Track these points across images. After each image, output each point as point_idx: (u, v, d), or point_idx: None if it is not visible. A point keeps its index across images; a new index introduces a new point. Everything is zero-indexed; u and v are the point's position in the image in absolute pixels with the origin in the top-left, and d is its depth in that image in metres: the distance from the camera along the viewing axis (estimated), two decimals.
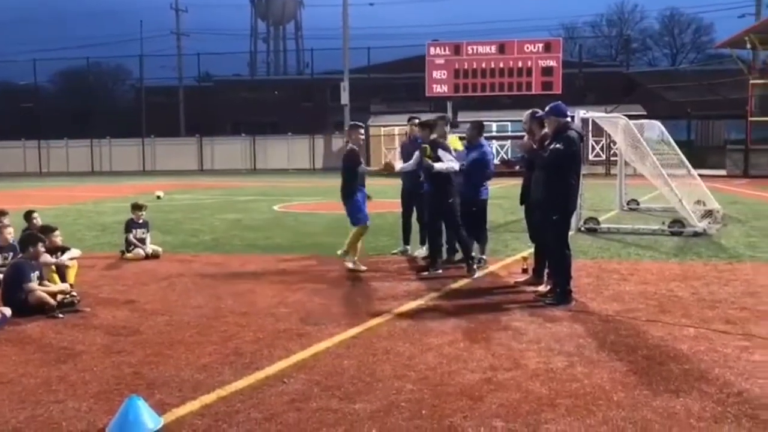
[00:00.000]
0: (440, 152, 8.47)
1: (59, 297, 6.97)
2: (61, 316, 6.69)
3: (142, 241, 10.35)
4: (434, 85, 37.42)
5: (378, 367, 5.08)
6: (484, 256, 9.13)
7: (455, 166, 8.52)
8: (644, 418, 4.08)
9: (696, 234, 11.82)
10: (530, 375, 4.86)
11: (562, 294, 7.04)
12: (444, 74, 37.02)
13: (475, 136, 9.20)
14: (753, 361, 5.14)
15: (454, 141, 9.52)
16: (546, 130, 7.50)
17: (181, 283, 8.38)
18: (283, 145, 43.78)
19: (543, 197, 7.09)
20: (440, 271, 8.61)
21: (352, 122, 10.13)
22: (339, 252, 9.50)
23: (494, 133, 36.86)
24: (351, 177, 9.14)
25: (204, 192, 25.31)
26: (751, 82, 31.80)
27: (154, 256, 10.17)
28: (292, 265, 9.50)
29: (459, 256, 9.11)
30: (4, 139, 47.49)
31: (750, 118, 31.85)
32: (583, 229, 11.94)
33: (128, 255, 10.17)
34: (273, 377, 4.89)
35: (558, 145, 6.89)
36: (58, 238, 8.05)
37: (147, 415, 4.00)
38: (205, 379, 4.87)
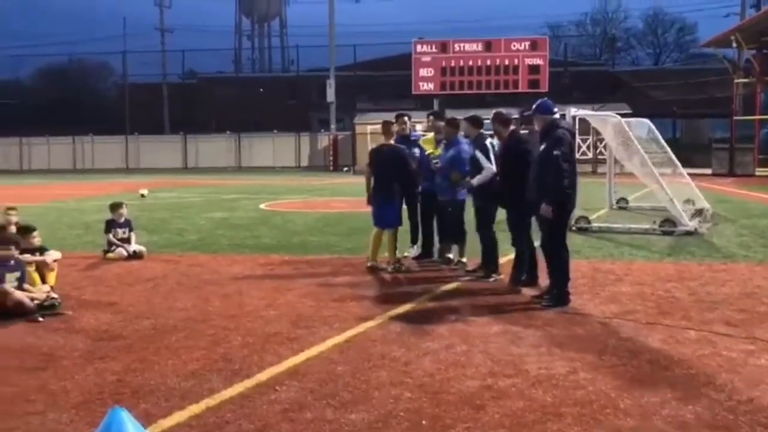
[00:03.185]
0: (477, 153, 8.08)
1: (38, 299, 6.71)
2: (41, 319, 6.43)
3: (125, 240, 10.08)
4: (421, 83, 37.28)
5: (373, 373, 4.88)
6: (463, 259, 8.91)
7: (492, 168, 7.92)
8: (655, 428, 3.92)
9: (687, 233, 11.72)
10: (532, 381, 4.68)
11: (559, 295, 6.88)
12: (431, 72, 36.89)
13: (452, 133, 8.98)
14: (760, 366, 4.99)
15: (429, 141, 9.33)
16: (512, 127, 7.85)
17: (166, 284, 8.14)
18: (269, 143, 43.44)
19: (539, 198, 6.92)
20: (501, 277, 8.10)
21: (397, 112, 9.64)
22: (369, 264, 8.81)
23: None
24: (396, 176, 8.69)
25: (189, 190, 24.96)
26: (736, 81, 31.90)
27: (138, 256, 9.89)
28: (280, 266, 9.27)
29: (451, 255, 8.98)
30: None
31: (735, 117, 31.95)
32: (574, 228, 11.79)
33: (110, 255, 9.89)
34: (264, 385, 4.67)
35: (556, 152, 6.71)
36: (36, 239, 7.78)
37: (132, 427, 3.76)
38: (193, 387, 4.64)
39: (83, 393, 4.55)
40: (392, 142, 8.95)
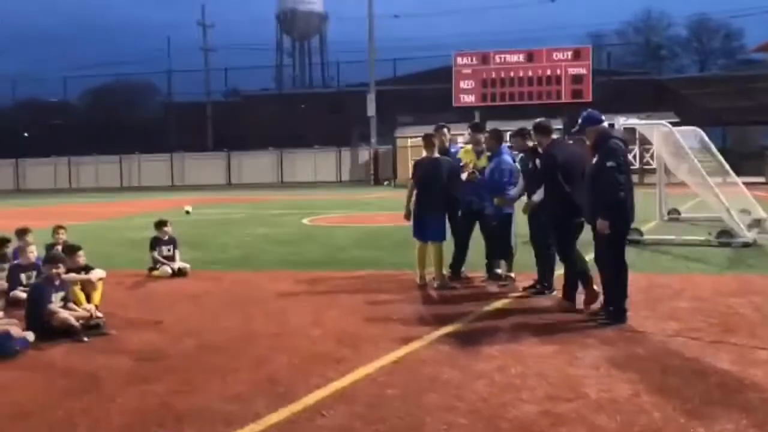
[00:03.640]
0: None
1: (82, 319, 6.67)
2: (86, 339, 6.38)
3: (170, 258, 10.07)
4: (462, 95, 37.11)
5: (424, 397, 4.66)
6: (511, 273, 8.63)
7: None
8: None
9: (746, 245, 11.24)
10: (594, 406, 4.41)
11: (617, 312, 6.57)
12: (471, 84, 36.69)
13: (494, 145, 8.73)
14: None
15: (467, 152, 9.04)
16: (531, 143, 7.66)
17: (211, 301, 8.05)
18: (310, 158, 43.66)
19: (594, 214, 6.62)
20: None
21: (437, 124, 9.32)
22: (419, 282, 8.60)
23: None
24: (446, 187, 8.48)
25: (232, 206, 25.13)
26: None
27: (183, 273, 9.86)
28: (324, 282, 9.13)
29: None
30: (35, 155, 48.05)
31: None
32: (626, 241, 11.38)
33: (155, 273, 9.89)
34: (311, 409, 4.50)
35: (610, 163, 6.43)
36: (81, 258, 7.76)
37: None
38: (238, 411, 4.49)
39: (126, 417, 4.44)
40: (436, 154, 8.73)
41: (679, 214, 15.67)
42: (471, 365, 5.33)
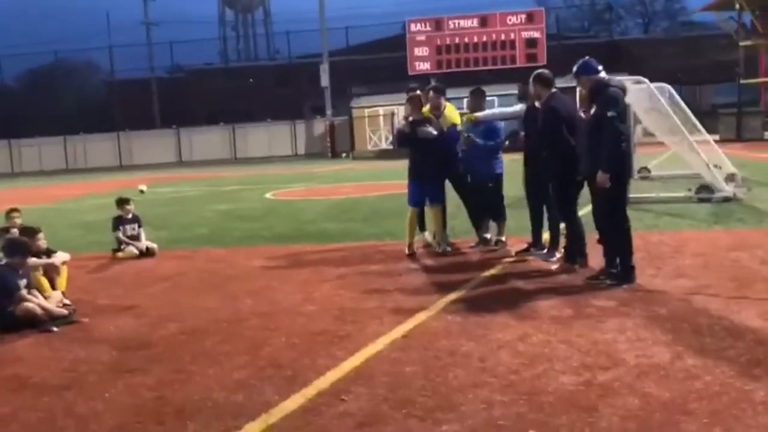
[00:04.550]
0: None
1: (57, 308, 6.06)
2: (55, 329, 5.77)
3: (135, 238, 9.39)
4: (416, 63, 36.54)
5: (449, 373, 4.24)
6: (502, 238, 8.27)
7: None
8: None
9: (726, 199, 11.12)
10: (636, 373, 4.05)
11: (624, 271, 6.24)
12: (426, 51, 36.14)
13: (479, 104, 8.31)
14: None
15: (451, 110, 8.53)
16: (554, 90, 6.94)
17: (187, 282, 7.48)
18: (263, 133, 42.55)
19: (593, 168, 6.24)
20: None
21: (431, 86, 8.76)
22: (408, 251, 8.14)
23: None
24: (442, 153, 8.03)
25: (187, 184, 24.22)
26: (741, 44, 31.26)
27: (150, 253, 9.21)
28: (304, 256, 8.61)
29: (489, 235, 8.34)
30: None
31: (741, 81, 31.34)
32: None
33: (120, 254, 9.21)
34: (327, 393, 4.02)
35: (611, 113, 6.05)
36: (42, 241, 7.06)
37: None
38: (245, 400, 4.00)
39: (118, 415, 3.90)
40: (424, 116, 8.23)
41: (650, 172, 15.54)
42: (488, 335, 4.93)
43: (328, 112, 38.87)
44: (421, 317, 5.51)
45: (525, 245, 7.83)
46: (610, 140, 6.07)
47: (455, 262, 7.76)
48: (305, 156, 40.53)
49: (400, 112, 37.46)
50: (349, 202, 14.56)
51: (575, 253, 6.92)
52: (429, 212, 8.35)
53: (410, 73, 36.99)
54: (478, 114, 7.96)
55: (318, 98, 40.87)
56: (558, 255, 7.35)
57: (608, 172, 6.09)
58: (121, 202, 9.64)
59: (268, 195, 17.42)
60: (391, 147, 35.53)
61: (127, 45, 54.89)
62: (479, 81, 38.29)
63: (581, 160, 6.47)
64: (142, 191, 20.13)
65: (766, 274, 6.29)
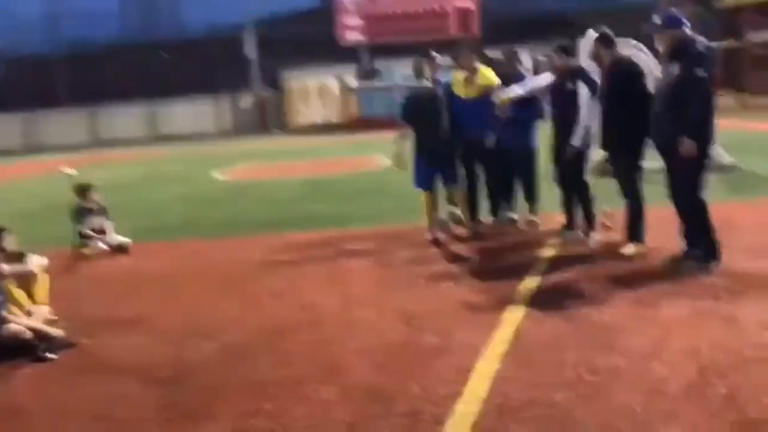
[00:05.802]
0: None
1: (49, 327, 4.85)
2: (50, 356, 4.59)
3: (101, 231, 8.08)
4: (346, 34, 35.28)
5: (613, 398, 3.40)
6: (535, 218, 7.51)
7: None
8: None
9: (721, 168, 10.71)
10: None
11: (710, 248, 5.54)
12: (356, 21, 34.91)
13: (514, 66, 7.51)
14: None
15: (486, 71, 7.66)
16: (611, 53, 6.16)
17: (187, 284, 6.32)
18: (187, 109, 40.27)
19: (674, 133, 5.50)
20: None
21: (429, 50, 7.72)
22: (430, 236, 7.21)
23: None
24: (442, 123, 7.13)
25: (117, 165, 22.31)
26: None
27: (122, 249, 7.93)
28: (308, 246, 7.55)
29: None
30: None
31: None
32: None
33: (86, 251, 7.87)
34: None
35: (701, 72, 5.32)
36: (8, 242, 5.73)
37: None
38: None
39: None
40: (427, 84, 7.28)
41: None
42: (615, 342, 4.11)
43: (257, 85, 37.09)
44: (510, 318, 4.65)
45: (562, 225, 7.10)
46: (700, 103, 5.36)
47: (492, 246, 6.92)
48: (234, 132, 38.62)
49: (333, 84, 36.27)
50: (321, 181, 13.47)
51: (641, 234, 6.21)
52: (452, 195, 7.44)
53: (340, 44, 35.71)
54: (511, 95, 7.04)
55: (241, 72, 38.94)
56: (595, 235, 6.67)
57: (696, 139, 5.37)
58: (83, 190, 8.28)
59: (217, 175, 16.03)
60: (327, 121, 34.35)
61: (25, 20, 50.90)
62: (413, 52, 37.46)
63: (655, 128, 5.74)
64: (69, 175, 18.30)
65: None
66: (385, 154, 17.38)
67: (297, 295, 5.65)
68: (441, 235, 7.22)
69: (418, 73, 7.44)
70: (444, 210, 7.64)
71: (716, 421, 3.10)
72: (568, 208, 7.05)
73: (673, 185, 5.77)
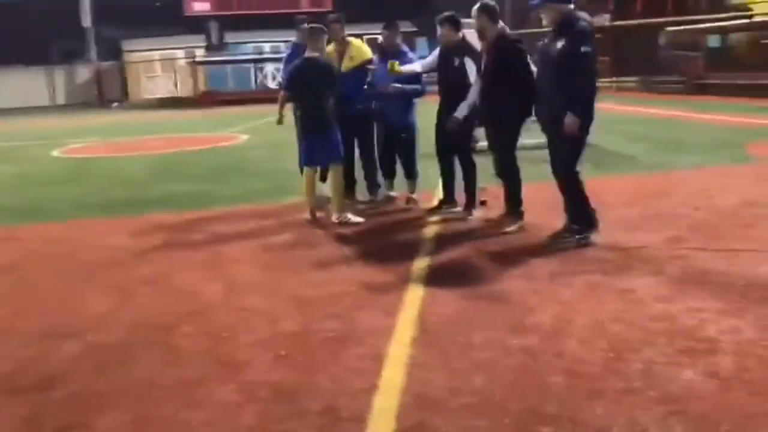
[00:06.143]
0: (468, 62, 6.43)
1: None
2: None
3: None
4: (193, 3, 33.65)
5: (539, 378, 3.29)
6: (414, 195, 7.42)
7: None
8: None
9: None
10: (743, 355, 3.44)
11: (587, 218, 5.65)
12: None
13: (395, 41, 7.33)
14: None
15: (359, 44, 7.43)
16: (501, 26, 6.14)
17: (41, 273, 5.57)
18: (15, 80, 36.61)
19: (558, 110, 5.54)
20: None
21: (333, 17, 7.36)
22: (310, 216, 6.91)
23: (269, 55, 33.95)
24: (328, 98, 6.72)
25: None
26: None
27: None
28: (175, 229, 6.96)
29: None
30: None
31: None
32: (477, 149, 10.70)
33: None
34: None
35: (585, 48, 5.36)
36: None
37: None
38: None
39: None
40: (317, 54, 6.92)
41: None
42: (518, 318, 4.04)
43: (93, 56, 34.49)
44: (412, 299, 4.47)
45: (436, 202, 7.05)
46: (583, 80, 5.41)
47: (376, 225, 6.71)
48: (68, 106, 35.72)
49: (180, 56, 34.42)
50: (173, 159, 12.67)
51: (520, 210, 6.26)
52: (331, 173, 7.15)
53: (186, 13, 34.07)
54: (404, 68, 6.84)
55: (73, 41, 35.99)
56: (476, 212, 6.70)
57: (579, 115, 5.43)
58: None
59: (55, 153, 14.64)
60: (173, 96, 32.62)
61: None
62: (265, 25, 36.41)
63: (538, 103, 5.77)
64: None
65: (715, 222, 6.14)
66: (238, 131, 16.81)
67: (174, 284, 5.14)
68: (321, 215, 6.91)
69: (310, 45, 7.00)
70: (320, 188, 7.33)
71: (638, 397, 3.07)
72: (446, 183, 7.01)
73: (556, 160, 5.82)
